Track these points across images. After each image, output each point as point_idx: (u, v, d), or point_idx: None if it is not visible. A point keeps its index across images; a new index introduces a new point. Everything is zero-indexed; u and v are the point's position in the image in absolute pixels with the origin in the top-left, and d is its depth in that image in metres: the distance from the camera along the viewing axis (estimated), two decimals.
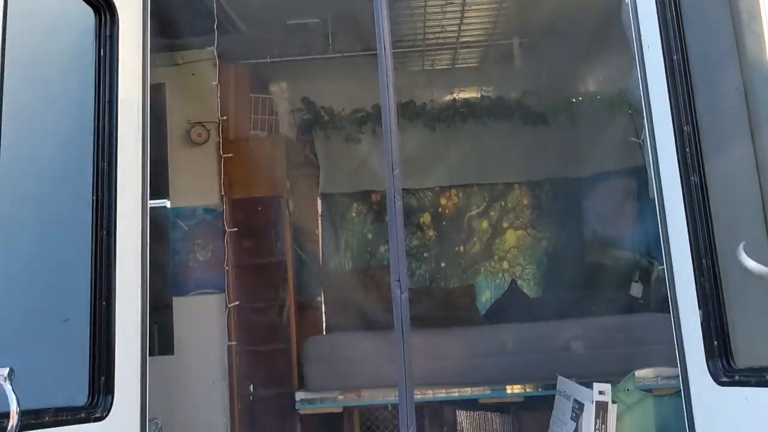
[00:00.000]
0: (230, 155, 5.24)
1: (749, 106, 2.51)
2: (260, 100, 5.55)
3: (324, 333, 6.13)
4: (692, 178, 2.46)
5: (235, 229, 5.19)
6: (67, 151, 2.69)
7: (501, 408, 5.51)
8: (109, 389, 2.40)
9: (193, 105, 5.37)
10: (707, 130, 2.50)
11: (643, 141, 2.77)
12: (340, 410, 4.90)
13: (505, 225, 6.56)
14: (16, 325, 2.37)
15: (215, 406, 5.08)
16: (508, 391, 4.84)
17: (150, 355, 2.81)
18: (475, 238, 6.56)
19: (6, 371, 1.77)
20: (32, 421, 2.00)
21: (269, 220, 5.30)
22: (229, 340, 5.15)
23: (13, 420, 1.79)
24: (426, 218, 6.54)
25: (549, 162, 6.26)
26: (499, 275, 6.53)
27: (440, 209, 6.56)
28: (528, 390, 4.79)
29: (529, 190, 6.55)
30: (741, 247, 1.88)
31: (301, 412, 4.88)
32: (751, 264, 1.85)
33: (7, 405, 1.84)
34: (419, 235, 6.54)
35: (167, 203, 5.48)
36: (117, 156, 2.52)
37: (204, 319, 5.24)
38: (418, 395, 4.79)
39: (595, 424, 2.68)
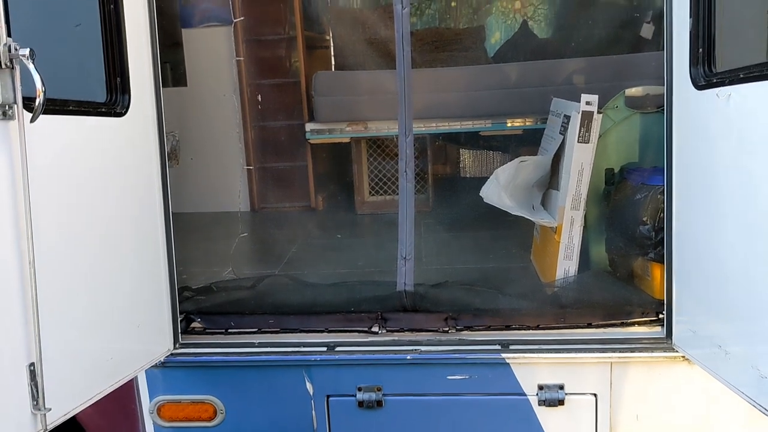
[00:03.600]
0: None
1: None
2: None
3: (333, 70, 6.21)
4: None
5: None
6: None
7: (501, 147, 5.77)
8: (125, 89, 2.57)
9: None
10: None
11: None
12: (347, 140, 5.16)
13: None
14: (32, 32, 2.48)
15: (230, 134, 5.31)
16: (508, 124, 5.03)
17: (164, 86, 2.93)
18: None
19: (27, 51, 1.91)
20: (57, 107, 2.19)
21: None
22: (241, 72, 5.27)
23: (40, 97, 1.96)
24: None
25: None
26: (511, 16, 6.42)
27: None
28: (527, 123, 4.97)
29: None
30: None
31: (312, 141, 5.15)
32: None
33: (33, 90, 2.00)
34: None
35: None
36: None
37: (214, 52, 5.32)
38: (422, 127, 5.02)
39: (579, 131, 2.86)
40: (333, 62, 6.25)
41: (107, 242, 2.42)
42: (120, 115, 2.54)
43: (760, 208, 2.05)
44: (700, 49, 2.42)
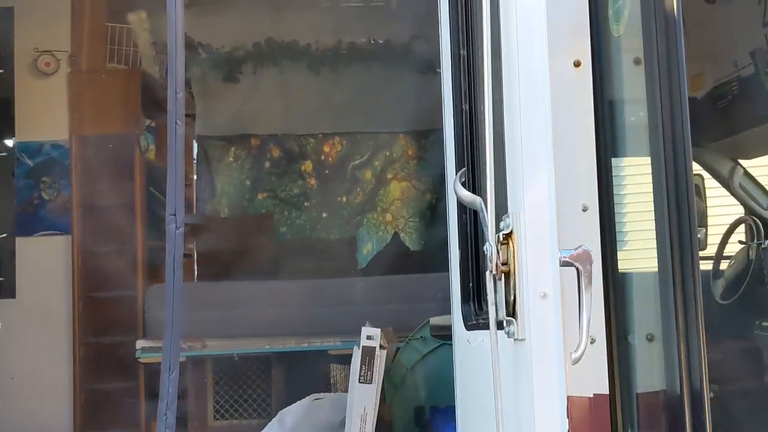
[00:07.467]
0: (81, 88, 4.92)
1: None
2: (117, 30, 5.19)
3: (195, 280, 5.88)
4: (463, 106, 2.30)
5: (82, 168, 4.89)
6: None
7: None
8: None
9: (42, 31, 5.01)
10: None
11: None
12: (183, 359, 4.68)
13: (389, 176, 6.33)
14: None
15: (57, 352, 4.85)
16: None
17: None
18: (358, 189, 6.32)
19: None
20: None
21: (120, 159, 4.98)
22: (74, 285, 4.90)
23: None
24: (308, 166, 6.27)
25: (436, 112, 6.03)
26: (382, 227, 6.32)
27: (323, 157, 6.29)
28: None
29: (415, 141, 6.32)
30: (456, 176, 1.71)
31: (142, 360, 4.65)
32: (461, 192, 1.67)
33: None
34: (300, 183, 6.26)
35: (10, 143, 5.19)
36: None
37: (49, 262, 4.97)
38: (267, 345, 4.64)
39: (361, 370, 2.50)
40: (195, 273, 5.94)
41: None
42: None
43: None
44: (470, 284, 2.16)
